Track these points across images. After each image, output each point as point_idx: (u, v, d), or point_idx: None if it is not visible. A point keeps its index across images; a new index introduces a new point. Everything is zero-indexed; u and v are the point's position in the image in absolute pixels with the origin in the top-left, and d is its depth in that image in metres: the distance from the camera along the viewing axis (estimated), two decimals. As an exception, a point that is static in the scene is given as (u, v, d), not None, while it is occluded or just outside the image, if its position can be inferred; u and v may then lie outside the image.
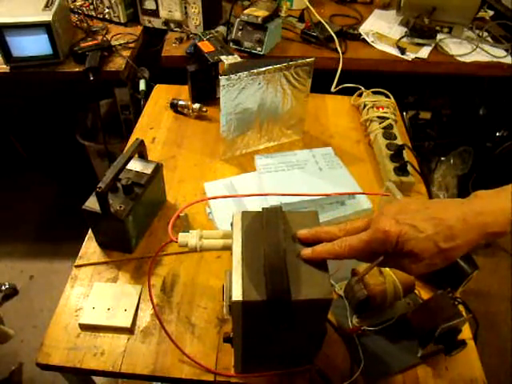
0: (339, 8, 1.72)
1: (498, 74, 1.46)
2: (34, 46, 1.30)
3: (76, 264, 0.81)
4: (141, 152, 0.85)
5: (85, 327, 0.71)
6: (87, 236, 0.85)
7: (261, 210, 0.57)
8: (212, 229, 0.87)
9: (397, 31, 1.55)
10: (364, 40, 1.49)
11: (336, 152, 1.01)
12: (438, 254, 0.47)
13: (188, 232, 0.61)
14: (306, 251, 0.52)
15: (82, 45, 1.36)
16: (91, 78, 1.30)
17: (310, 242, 0.53)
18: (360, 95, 1.22)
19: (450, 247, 0.46)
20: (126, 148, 0.86)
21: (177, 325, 0.72)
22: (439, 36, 1.50)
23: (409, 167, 0.97)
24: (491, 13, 1.69)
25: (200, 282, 0.78)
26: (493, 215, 0.46)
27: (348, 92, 1.26)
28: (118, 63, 1.38)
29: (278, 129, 1.07)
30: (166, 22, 1.51)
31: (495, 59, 1.44)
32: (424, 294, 0.76)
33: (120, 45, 1.44)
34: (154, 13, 1.50)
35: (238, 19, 1.37)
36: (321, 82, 1.16)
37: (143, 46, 1.56)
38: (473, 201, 0.49)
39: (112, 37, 1.48)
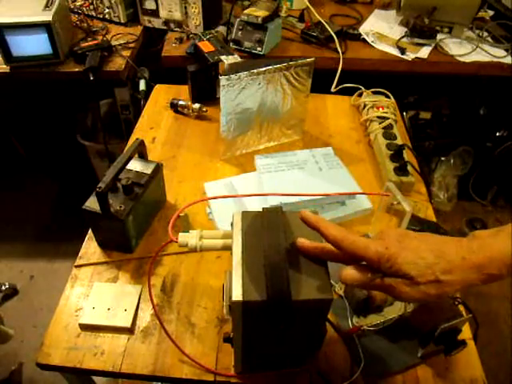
0: (339, 8, 1.72)
1: (498, 74, 1.46)
2: (34, 45, 1.30)
3: (76, 264, 0.81)
4: (141, 152, 0.85)
5: (85, 327, 0.71)
6: (87, 236, 0.85)
7: (261, 210, 0.57)
8: (212, 229, 0.87)
9: (397, 31, 1.55)
10: (364, 40, 1.49)
11: (336, 152, 1.01)
12: (434, 283, 0.46)
13: (188, 232, 0.61)
14: (303, 241, 0.52)
15: (82, 45, 1.36)
16: (91, 78, 1.30)
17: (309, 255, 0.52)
18: (360, 95, 1.22)
19: (447, 280, 0.45)
20: (126, 148, 0.86)
21: (177, 325, 0.72)
22: (439, 36, 1.50)
23: (409, 167, 0.97)
24: (491, 13, 1.69)
25: (200, 282, 0.78)
26: (490, 257, 0.45)
27: (348, 92, 1.25)
28: (117, 63, 1.38)
29: (278, 129, 1.07)
30: (166, 22, 1.51)
31: (495, 59, 1.44)
32: (424, 294, 0.76)
33: (120, 45, 1.44)
34: (154, 13, 1.50)
35: (238, 19, 1.37)
36: (321, 82, 1.16)
37: (143, 46, 1.56)
38: (471, 240, 0.48)
39: (112, 37, 1.48)
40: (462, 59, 1.43)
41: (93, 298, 0.75)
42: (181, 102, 1.16)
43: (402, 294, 0.47)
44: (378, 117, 1.10)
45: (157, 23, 1.53)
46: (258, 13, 1.34)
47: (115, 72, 1.36)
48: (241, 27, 1.38)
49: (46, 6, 1.30)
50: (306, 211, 0.53)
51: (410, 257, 0.46)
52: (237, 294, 0.49)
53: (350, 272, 0.49)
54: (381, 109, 1.12)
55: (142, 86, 1.41)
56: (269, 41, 1.36)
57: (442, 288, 0.46)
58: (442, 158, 1.92)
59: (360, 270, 0.49)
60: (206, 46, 1.14)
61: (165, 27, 1.52)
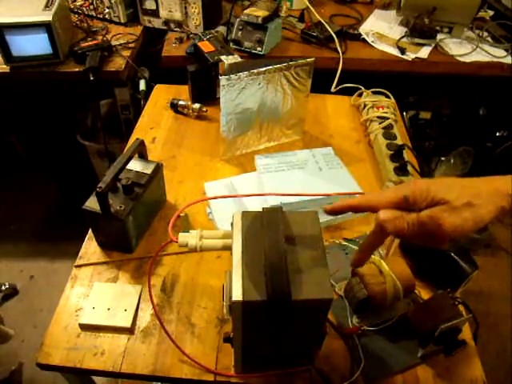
0: (339, 8, 1.72)
1: (498, 74, 1.46)
2: (34, 45, 1.30)
3: (76, 264, 0.81)
4: (141, 152, 0.85)
5: (85, 327, 0.71)
6: (87, 236, 0.85)
7: (261, 210, 0.57)
8: (212, 229, 0.87)
9: (397, 31, 1.55)
10: (364, 40, 1.49)
11: (336, 152, 1.01)
12: (468, 206, 0.46)
13: (188, 232, 0.61)
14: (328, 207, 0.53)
15: (82, 45, 1.36)
16: (91, 78, 1.30)
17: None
18: (360, 95, 1.22)
19: (479, 204, 0.46)
20: (126, 148, 0.86)
21: (177, 325, 0.72)
22: (439, 36, 1.50)
23: (409, 167, 0.97)
24: (491, 13, 1.69)
25: (200, 282, 0.78)
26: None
27: (348, 92, 1.25)
28: (118, 63, 1.38)
29: (278, 129, 1.07)
30: (166, 22, 1.51)
31: (495, 59, 1.44)
32: (424, 293, 0.76)
33: (120, 45, 1.44)
34: (154, 13, 1.50)
35: (238, 19, 1.37)
36: (321, 82, 1.16)
37: (143, 46, 1.56)
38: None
39: (112, 37, 1.48)
40: (462, 59, 1.43)
41: (93, 298, 0.75)
42: (181, 102, 1.16)
43: (442, 222, 0.46)
44: (378, 117, 1.10)
45: (157, 23, 1.53)
46: (258, 13, 1.34)
47: (115, 72, 1.36)
48: (241, 27, 1.38)
49: (46, 6, 1.30)
50: (330, 205, 0.54)
51: (441, 185, 0.48)
52: (237, 294, 0.49)
53: (388, 212, 0.49)
54: (381, 109, 1.12)
55: (142, 86, 1.41)
56: (269, 41, 1.36)
57: (477, 211, 0.46)
58: (442, 158, 1.92)
59: (395, 211, 0.49)
60: (205, 46, 1.14)
61: (165, 27, 1.52)
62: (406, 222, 0.47)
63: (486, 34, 1.54)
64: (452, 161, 1.91)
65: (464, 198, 0.46)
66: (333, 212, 0.54)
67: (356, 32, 1.51)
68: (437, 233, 0.46)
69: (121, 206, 0.76)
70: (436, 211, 0.46)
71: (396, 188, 0.50)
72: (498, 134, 1.84)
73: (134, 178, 0.81)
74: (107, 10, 1.53)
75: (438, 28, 1.51)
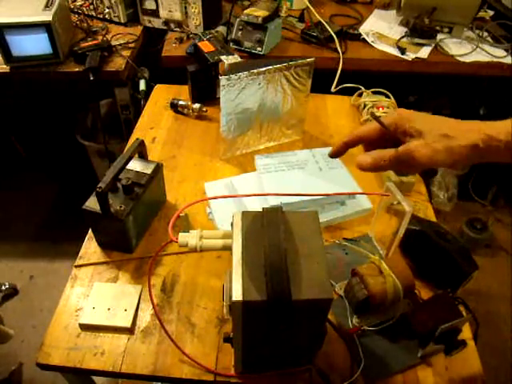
0: (339, 8, 1.72)
1: (498, 74, 1.46)
2: (34, 45, 1.30)
3: (76, 264, 0.81)
4: (141, 152, 0.85)
5: (85, 327, 0.71)
6: (87, 236, 0.85)
7: (261, 210, 0.57)
8: (212, 229, 0.87)
9: (397, 31, 1.55)
10: (364, 40, 1.49)
11: (336, 152, 1.01)
12: (442, 137, 0.50)
13: (188, 232, 0.62)
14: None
15: (82, 45, 1.36)
16: (91, 78, 1.30)
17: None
18: (360, 95, 1.22)
19: (453, 135, 0.50)
20: (126, 148, 0.86)
21: (177, 325, 0.72)
22: (439, 36, 1.50)
23: (409, 167, 0.96)
24: (491, 13, 1.69)
25: (200, 282, 0.78)
26: (489, 124, 0.50)
27: (348, 92, 1.25)
28: (117, 63, 1.38)
29: (278, 129, 1.07)
30: (166, 22, 1.51)
31: (495, 59, 1.44)
32: (424, 293, 0.76)
33: (120, 45, 1.44)
34: (154, 13, 1.50)
35: (238, 19, 1.37)
36: (321, 82, 1.16)
37: (143, 46, 1.56)
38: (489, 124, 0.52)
39: (112, 37, 1.48)
40: (461, 59, 1.43)
41: (93, 298, 0.75)
42: (181, 102, 1.16)
43: (415, 154, 0.50)
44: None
45: (157, 23, 1.53)
46: (258, 13, 1.34)
47: (115, 72, 1.36)
48: (241, 27, 1.37)
49: (46, 6, 1.30)
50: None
51: (421, 118, 0.53)
52: (237, 294, 0.49)
53: (365, 156, 0.56)
54: (381, 109, 1.12)
55: (142, 86, 1.41)
56: (269, 41, 1.36)
57: (449, 143, 0.50)
58: (442, 158, 1.92)
59: (371, 156, 0.55)
60: (205, 46, 1.14)
61: (165, 27, 1.52)
62: (382, 161, 0.54)
63: (485, 33, 1.54)
64: (452, 161, 1.91)
65: (439, 130, 0.50)
66: (334, 155, 0.61)
67: (356, 32, 1.51)
68: (411, 162, 0.51)
69: (121, 206, 0.76)
70: (410, 145, 0.51)
71: (385, 118, 0.55)
72: (498, 134, 1.83)
73: (134, 178, 0.81)
74: (107, 10, 1.53)
75: (438, 28, 1.51)
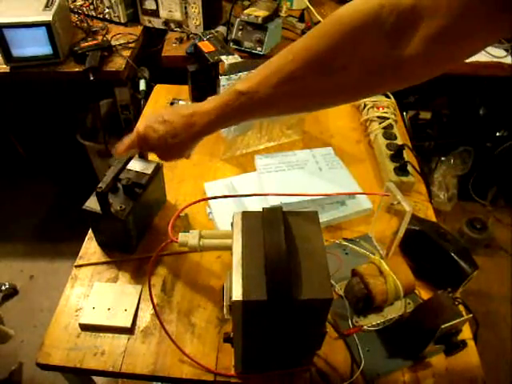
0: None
1: (498, 74, 1.46)
2: (34, 45, 1.30)
3: (76, 264, 0.81)
4: (141, 152, 0.85)
5: (85, 327, 0.71)
6: (87, 236, 0.85)
7: (261, 210, 0.57)
8: (212, 229, 0.87)
9: (397, 31, 1.54)
10: (364, 40, 1.49)
11: (336, 152, 1.01)
12: (168, 148, 0.67)
13: (188, 232, 0.62)
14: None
15: (82, 45, 1.36)
16: (91, 78, 1.30)
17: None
18: (360, 95, 1.22)
19: (175, 143, 0.65)
20: (126, 148, 0.86)
21: (177, 325, 0.72)
22: (439, 36, 1.49)
23: (409, 167, 0.97)
24: (491, 13, 1.69)
25: (200, 282, 0.78)
26: (199, 115, 0.62)
27: (348, 92, 1.25)
28: (118, 63, 1.38)
29: (278, 129, 1.07)
30: (166, 22, 1.51)
31: (495, 59, 1.44)
32: (424, 293, 0.76)
33: (120, 45, 1.44)
34: (154, 13, 1.50)
35: (238, 19, 1.37)
36: (321, 82, 1.15)
37: (143, 46, 1.56)
38: (199, 103, 0.64)
39: (112, 37, 1.48)
40: (461, 59, 1.43)
41: (93, 298, 0.75)
42: (181, 102, 1.16)
43: (156, 153, 0.71)
44: (378, 117, 1.10)
45: (157, 23, 1.53)
46: (258, 13, 1.34)
47: (115, 72, 1.36)
48: (241, 27, 1.37)
49: (46, 5, 1.30)
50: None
51: (151, 134, 0.66)
52: (237, 294, 0.49)
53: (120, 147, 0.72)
54: (381, 109, 1.12)
55: (142, 86, 1.41)
56: (269, 41, 1.36)
57: (175, 149, 0.67)
58: (442, 158, 1.92)
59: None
60: (206, 46, 1.14)
61: (165, 27, 1.52)
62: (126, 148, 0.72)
63: (486, 33, 1.54)
64: (452, 161, 1.91)
65: (165, 144, 0.66)
66: (118, 154, 0.73)
67: (356, 32, 1.50)
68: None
69: (121, 206, 0.76)
70: (153, 151, 0.71)
71: (132, 134, 0.71)
72: (498, 134, 1.84)
73: (134, 178, 0.81)
74: (107, 10, 1.53)
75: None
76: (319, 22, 1.47)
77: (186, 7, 1.45)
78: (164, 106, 1.20)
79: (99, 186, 0.71)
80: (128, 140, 0.71)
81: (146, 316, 0.73)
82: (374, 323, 0.71)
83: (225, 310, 0.56)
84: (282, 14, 1.57)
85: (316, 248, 0.54)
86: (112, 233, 0.80)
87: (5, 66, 1.33)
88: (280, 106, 0.58)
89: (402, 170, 0.96)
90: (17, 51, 1.30)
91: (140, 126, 0.68)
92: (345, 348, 0.69)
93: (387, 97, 1.17)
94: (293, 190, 0.84)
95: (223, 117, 0.60)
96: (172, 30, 1.52)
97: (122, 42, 1.45)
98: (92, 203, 0.75)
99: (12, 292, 1.71)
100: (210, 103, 0.61)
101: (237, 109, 0.58)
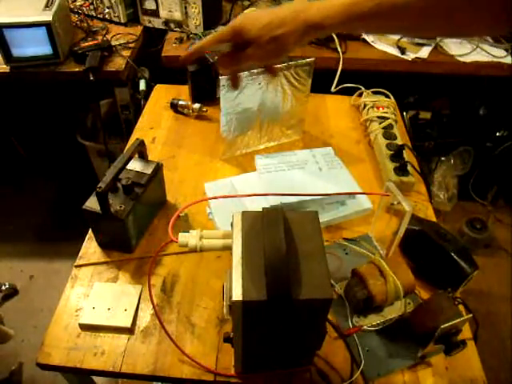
0: (339, 8, 1.71)
1: (498, 74, 1.46)
2: (34, 45, 1.30)
3: (76, 264, 0.81)
4: (141, 152, 0.85)
5: (85, 327, 0.71)
6: (87, 236, 0.85)
7: (261, 210, 0.57)
8: (212, 229, 0.87)
9: (397, 31, 1.55)
10: (364, 40, 1.49)
11: (336, 152, 1.01)
12: (270, 40, 0.59)
13: (188, 232, 0.62)
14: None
15: (82, 45, 1.36)
16: (91, 78, 1.30)
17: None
18: (360, 95, 1.22)
19: (281, 33, 0.58)
20: (126, 148, 0.87)
21: (177, 325, 0.72)
22: (439, 36, 1.50)
23: (409, 167, 0.97)
24: (491, 13, 1.69)
25: (200, 281, 0.78)
26: (316, 9, 0.57)
27: (348, 92, 1.25)
28: (118, 63, 1.38)
29: (278, 129, 1.07)
30: (166, 22, 1.51)
31: (495, 59, 1.44)
32: (424, 293, 0.76)
33: (120, 45, 1.44)
34: (154, 13, 1.50)
35: (238, 19, 1.37)
36: (321, 82, 1.16)
37: (143, 46, 1.56)
38: (311, 1, 0.59)
39: (112, 37, 1.48)
40: (461, 59, 1.43)
41: (93, 297, 0.75)
42: (181, 102, 1.16)
43: (250, 56, 0.61)
44: (378, 117, 1.10)
45: (157, 23, 1.53)
46: (258, 13, 1.34)
47: (115, 72, 1.36)
48: (241, 27, 1.37)
49: (46, 6, 1.30)
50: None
51: (250, 25, 0.60)
52: (237, 294, 0.49)
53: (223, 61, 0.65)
54: (381, 109, 1.12)
55: (142, 86, 1.41)
56: (269, 41, 1.36)
57: (279, 41, 0.59)
58: (442, 158, 1.92)
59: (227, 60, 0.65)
60: (206, 46, 1.14)
61: (165, 27, 1.52)
62: (231, 64, 0.65)
63: (486, 33, 1.54)
64: (452, 161, 1.91)
65: (267, 34, 0.59)
66: (187, 60, 0.67)
67: (356, 32, 1.51)
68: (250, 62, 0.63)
69: (121, 206, 0.76)
70: (247, 51, 0.61)
71: (224, 27, 0.63)
72: (498, 134, 1.84)
73: (134, 177, 0.81)
74: (107, 10, 1.53)
75: (438, 28, 1.51)
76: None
77: (186, 7, 1.45)
78: (163, 106, 1.20)
79: (99, 185, 0.71)
80: (217, 34, 0.63)
81: (145, 316, 0.73)
82: (373, 323, 0.71)
83: (225, 309, 0.55)
84: (282, 14, 1.57)
85: (316, 248, 0.54)
86: (112, 233, 0.80)
87: (5, 66, 1.33)
88: (404, 20, 0.54)
89: (402, 169, 0.96)
90: (17, 51, 1.30)
91: (236, 20, 0.61)
92: (345, 348, 0.69)
93: (387, 97, 1.18)
94: (293, 190, 0.84)
95: (347, 16, 0.55)
96: (172, 30, 1.52)
97: (122, 42, 1.45)
98: (92, 203, 0.75)
99: (12, 292, 1.71)
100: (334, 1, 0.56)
101: (367, 12, 0.53)
